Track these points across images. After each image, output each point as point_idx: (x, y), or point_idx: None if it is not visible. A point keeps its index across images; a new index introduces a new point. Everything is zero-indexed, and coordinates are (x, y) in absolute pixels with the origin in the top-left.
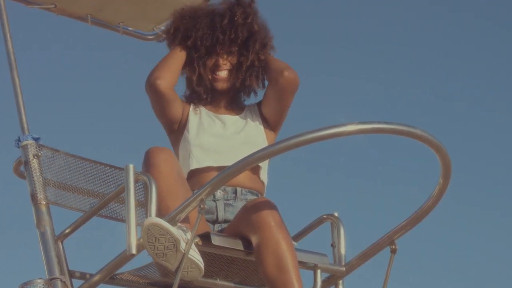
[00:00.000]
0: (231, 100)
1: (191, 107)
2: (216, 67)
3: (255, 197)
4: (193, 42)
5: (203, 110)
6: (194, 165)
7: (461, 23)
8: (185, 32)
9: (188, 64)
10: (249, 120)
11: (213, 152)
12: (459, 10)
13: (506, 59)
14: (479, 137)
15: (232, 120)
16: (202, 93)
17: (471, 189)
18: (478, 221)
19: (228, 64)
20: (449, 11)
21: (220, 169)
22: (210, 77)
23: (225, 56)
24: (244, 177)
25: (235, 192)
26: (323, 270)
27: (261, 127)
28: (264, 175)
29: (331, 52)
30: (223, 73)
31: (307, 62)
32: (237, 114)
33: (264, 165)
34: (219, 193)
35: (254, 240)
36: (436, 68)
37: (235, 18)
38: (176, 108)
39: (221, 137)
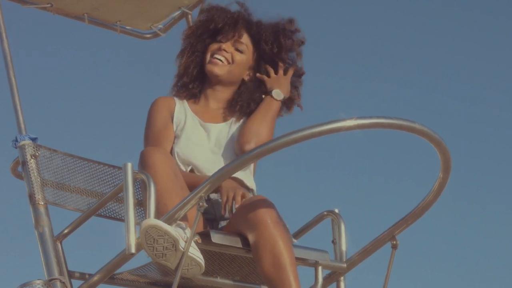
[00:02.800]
0: (222, 102)
1: (177, 105)
2: (217, 51)
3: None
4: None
5: (188, 111)
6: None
7: (460, 21)
8: (213, 19)
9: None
10: (234, 131)
11: (194, 162)
12: (460, 8)
13: (503, 56)
14: (479, 134)
15: (217, 130)
16: (191, 77)
17: (472, 185)
18: (478, 217)
19: (230, 55)
20: (448, 9)
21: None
22: (208, 58)
23: (229, 44)
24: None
25: None
26: (324, 267)
27: None
28: (250, 181)
29: (331, 51)
30: (221, 57)
31: (308, 61)
32: (224, 120)
33: (248, 174)
34: (212, 194)
35: (251, 238)
36: (436, 66)
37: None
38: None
39: (204, 152)
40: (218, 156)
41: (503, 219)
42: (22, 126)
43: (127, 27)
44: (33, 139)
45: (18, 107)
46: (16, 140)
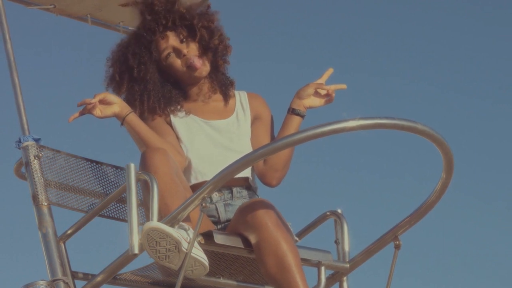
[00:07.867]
0: (207, 92)
1: (172, 118)
2: (185, 57)
3: (252, 193)
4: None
5: (184, 114)
6: (193, 181)
7: (465, 17)
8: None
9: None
10: (241, 125)
11: (210, 164)
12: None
13: (503, 54)
14: (483, 129)
15: (223, 126)
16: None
17: (474, 181)
18: (482, 215)
19: (194, 53)
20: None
21: None
22: (182, 68)
23: (184, 46)
24: (236, 177)
25: (231, 191)
26: (327, 267)
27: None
28: (253, 180)
29: (332, 49)
30: (192, 58)
31: (310, 59)
32: (227, 116)
33: (252, 173)
34: (215, 196)
35: (252, 240)
36: (438, 62)
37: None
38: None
39: (218, 148)
40: (231, 154)
41: (507, 216)
42: (25, 126)
43: (129, 28)
44: (36, 140)
45: (21, 108)
46: (19, 141)
